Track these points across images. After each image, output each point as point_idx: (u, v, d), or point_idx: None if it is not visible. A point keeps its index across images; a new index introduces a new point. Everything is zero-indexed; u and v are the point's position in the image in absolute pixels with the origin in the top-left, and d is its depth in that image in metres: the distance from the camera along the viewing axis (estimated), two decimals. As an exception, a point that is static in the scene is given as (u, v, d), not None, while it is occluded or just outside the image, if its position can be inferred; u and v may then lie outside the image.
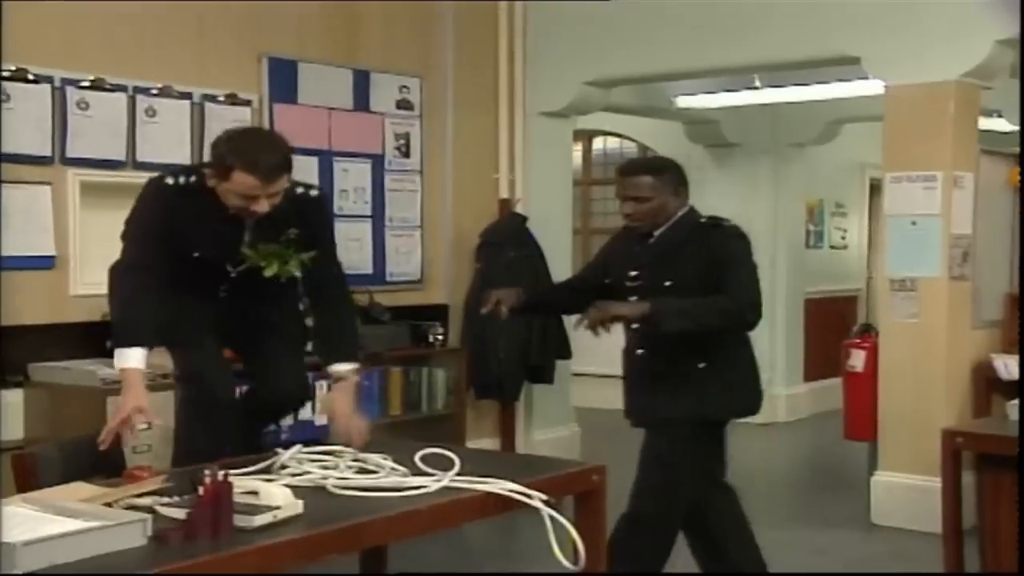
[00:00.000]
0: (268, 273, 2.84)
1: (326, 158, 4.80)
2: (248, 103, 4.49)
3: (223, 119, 4.38)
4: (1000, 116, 6.61)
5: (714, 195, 7.71)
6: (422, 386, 4.89)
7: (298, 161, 4.52)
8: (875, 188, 7.95)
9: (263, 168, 2.71)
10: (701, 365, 3.13)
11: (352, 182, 4.92)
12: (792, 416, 7.59)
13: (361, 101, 4.94)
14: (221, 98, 4.41)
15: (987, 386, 4.60)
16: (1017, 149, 4.69)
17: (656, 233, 3.17)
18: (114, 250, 4.16)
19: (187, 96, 4.30)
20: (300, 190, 2.90)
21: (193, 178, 2.83)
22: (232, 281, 2.93)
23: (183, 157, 4.27)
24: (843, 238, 8.40)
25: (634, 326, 3.13)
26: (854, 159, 8.21)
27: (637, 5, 5.19)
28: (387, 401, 4.70)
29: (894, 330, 4.62)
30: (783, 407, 7.61)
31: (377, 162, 5.02)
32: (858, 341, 4.95)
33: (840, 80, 5.95)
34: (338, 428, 2.76)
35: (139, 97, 4.15)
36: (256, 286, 2.93)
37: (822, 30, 4.71)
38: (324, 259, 2.94)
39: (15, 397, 3.80)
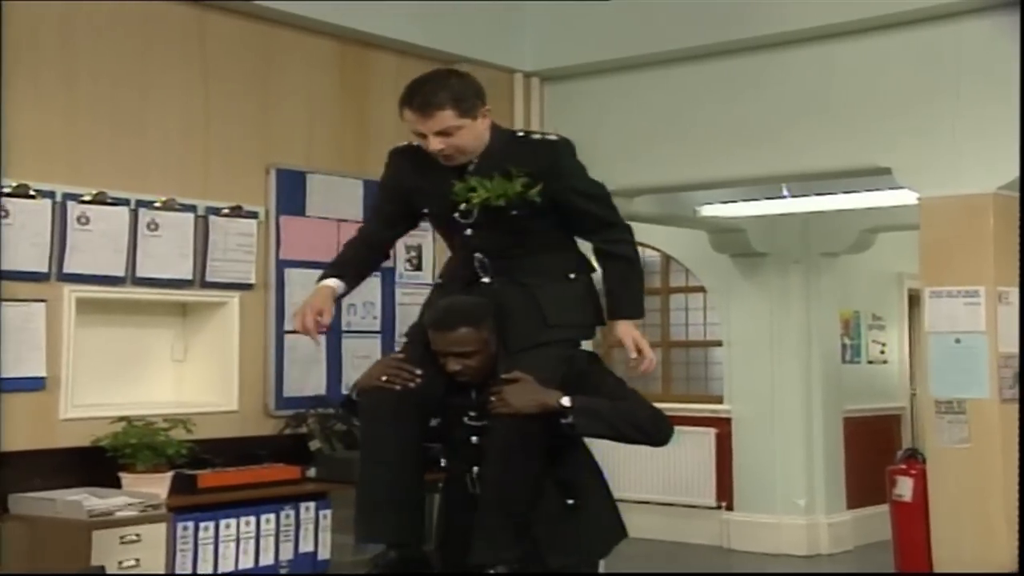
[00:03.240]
0: (475, 200, 2.87)
1: (334, 272, 4.87)
2: (254, 215, 4.59)
3: (227, 232, 4.48)
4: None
5: (741, 307, 7.79)
6: (433, 514, 4.83)
7: (304, 274, 4.74)
8: (914, 299, 7.99)
9: (416, 101, 2.85)
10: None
11: (361, 296, 4.96)
12: (837, 547, 7.47)
13: (371, 213, 5.02)
14: (226, 211, 4.50)
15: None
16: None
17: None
18: (110, 370, 4.30)
19: (191, 209, 4.39)
20: (537, 136, 3.01)
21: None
22: (477, 247, 2.94)
23: (185, 272, 4.35)
24: (882, 352, 8.40)
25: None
26: (891, 269, 8.27)
27: (658, 114, 5.33)
28: (395, 532, 4.65)
29: (943, 457, 4.59)
30: (826, 537, 7.49)
31: (387, 275, 5.07)
32: (904, 467, 4.94)
33: (873, 189, 6.05)
34: (629, 355, 2.95)
35: (141, 211, 4.25)
36: (514, 267, 2.94)
37: (852, 140, 4.81)
38: (580, 205, 2.95)
39: (-8, 532, 3.74)
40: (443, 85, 2.87)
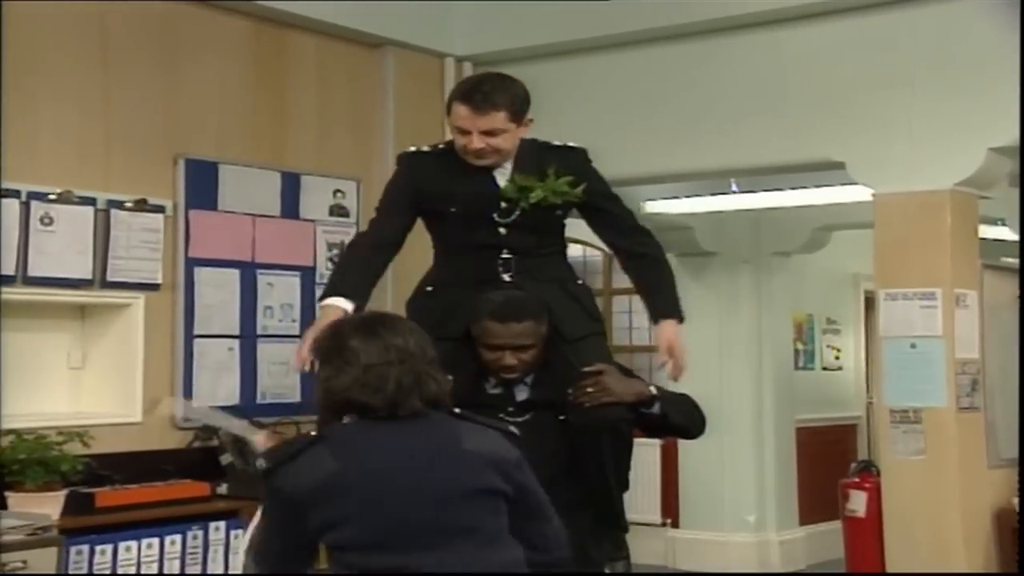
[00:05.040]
0: (533, 199, 3.14)
1: (249, 271, 4.83)
2: (161, 209, 4.52)
3: (131, 227, 4.41)
4: (1004, 224, 6.82)
5: (688, 309, 7.76)
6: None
7: (217, 274, 4.70)
8: (871, 302, 8.10)
9: (476, 98, 3.10)
10: None
11: (278, 297, 4.93)
12: (789, 566, 7.53)
13: (290, 207, 4.99)
14: (129, 204, 4.43)
15: (1012, 538, 4.60)
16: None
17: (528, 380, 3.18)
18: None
19: (90, 202, 4.31)
20: (558, 143, 3.31)
21: (443, 144, 3.28)
22: (508, 245, 3.17)
23: (84, 271, 4.28)
24: (837, 358, 8.51)
25: None
26: (846, 269, 8.38)
27: (597, 103, 5.34)
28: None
29: (898, 469, 4.66)
30: (777, 555, 7.55)
31: (307, 275, 5.04)
32: (857, 481, 5.00)
33: (826, 185, 6.13)
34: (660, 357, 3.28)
35: (34, 203, 4.16)
36: (537, 266, 3.20)
37: (803, 132, 4.87)
38: (607, 208, 3.31)
39: None
40: (502, 88, 3.16)
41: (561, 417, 3.08)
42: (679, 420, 3.22)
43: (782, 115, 4.91)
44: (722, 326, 7.66)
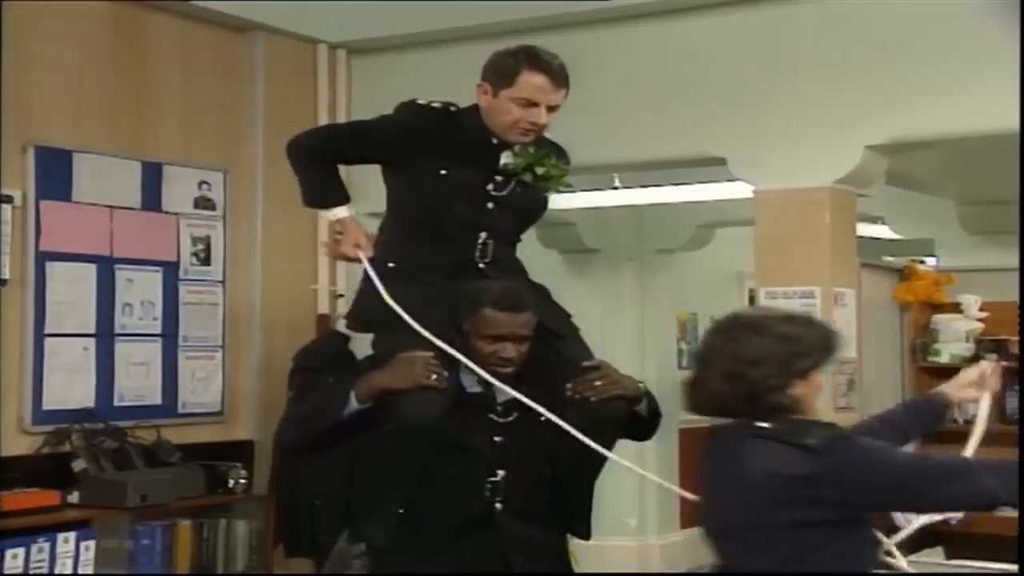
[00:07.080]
0: (540, 171, 3.18)
1: (106, 266, 4.73)
2: (9, 200, 4.40)
3: (-26, 219, 4.29)
4: (884, 223, 7.06)
5: (570, 308, 7.83)
6: (218, 543, 4.77)
7: (73, 269, 4.59)
8: (755, 300, 8.29)
9: (555, 70, 3.13)
10: None
11: (138, 294, 4.84)
12: (670, 570, 7.66)
13: (151, 198, 4.90)
14: (-27, 194, 4.31)
15: (886, 536, 4.74)
16: (899, 262, 5.00)
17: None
18: None
19: (-73, 191, 4.19)
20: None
21: (453, 107, 3.22)
22: (489, 225, 3.14)
23: (-79, 264, 4.15)
24: (721, 358, 8.68)
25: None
26: (730, 267, 8.55)
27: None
28: (173, 562, 4.56)
29: (774, 468, 4.76)
30: (657, 559, 7.68)
31: (170, 270, 4.97)
32: (734, 481, 5.10)
33: (710, 181, 6.25)
34: None
35: None
36: (503, 257, 3.20)
37: (685, 128, 4.94)
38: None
39: None
40: (563, 63, 3.20)
41: (542, 418, 3.03)
42: (655, 419, 3.32)
43: (663, 110, 4.98)
44: (604, 325, 7.72)
